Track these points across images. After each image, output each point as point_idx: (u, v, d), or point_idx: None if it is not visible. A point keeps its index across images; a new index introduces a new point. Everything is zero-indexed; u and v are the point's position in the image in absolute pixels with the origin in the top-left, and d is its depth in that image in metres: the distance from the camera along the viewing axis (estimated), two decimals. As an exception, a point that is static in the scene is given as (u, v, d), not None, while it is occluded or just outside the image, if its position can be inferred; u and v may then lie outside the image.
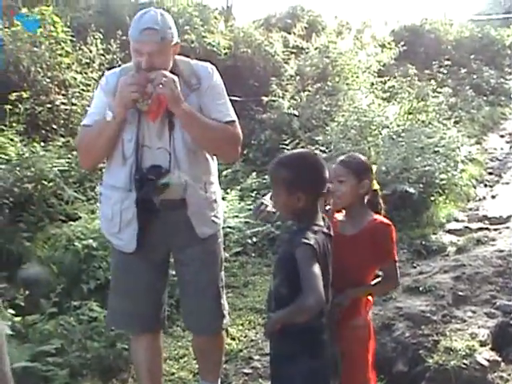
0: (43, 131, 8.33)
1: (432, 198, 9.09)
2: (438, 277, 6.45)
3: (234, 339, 5.63)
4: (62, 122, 8.66)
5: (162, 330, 4.36)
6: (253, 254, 7.70)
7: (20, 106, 7.89)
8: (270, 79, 12.83)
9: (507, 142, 15.04)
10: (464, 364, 4.66)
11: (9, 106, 7.72)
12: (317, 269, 2.88)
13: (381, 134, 10.20)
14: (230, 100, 3.92)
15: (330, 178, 3.38)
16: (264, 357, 5.20)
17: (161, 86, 3.46)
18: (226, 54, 13.12)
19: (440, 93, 14.32)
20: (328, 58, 13.90)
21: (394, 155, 9.09)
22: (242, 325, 5.92)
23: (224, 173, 9.38)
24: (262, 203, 3.36)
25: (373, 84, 14.30)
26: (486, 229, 8.37)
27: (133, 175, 3.67)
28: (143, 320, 3.99)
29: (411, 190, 8.44)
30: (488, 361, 4.76)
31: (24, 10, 9.14)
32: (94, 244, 5.93)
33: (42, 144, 7.61)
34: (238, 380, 4.99)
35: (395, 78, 15.33)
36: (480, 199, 10.33)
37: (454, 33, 22.59)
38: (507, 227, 8.28)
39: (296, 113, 11.87)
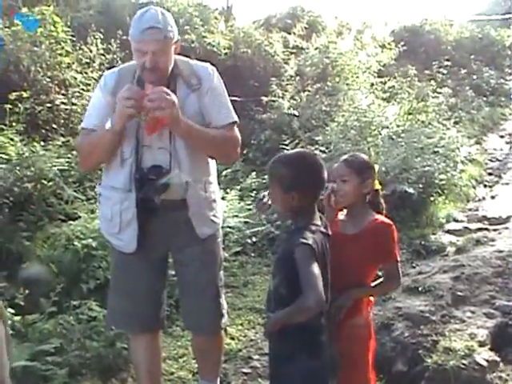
0: (43, 131, 8.33)
1: (431, 199, 9.11)
2: (438, 277, 6.46)
3: (233, 339, 5.64)
4: (62, 121, 8.66)
5: (161, 330, 4.36)
6: (252, 254, 7.70)
7: (20, 105, 7.90)
8: (269, 79, 12.84)
9: (507, 143, 15.03)
10: (463, 364, 4.66)
11: (9, 106, 7.73)
12: (316, 269, 2.88)
13: (380, 134, 10.21)
14: (230, 100, 3.92)
15: (333, 177, 3.40)
16: (263, 356, 5.21)
17: (160, 106, 3.42)
18: (226, 54, 13.13)
19: (440, 93, 14.33)
20: (328, 58, 13.90)
21: (393, 155, 9.09)
22: (241, 324, 5.92)
23: (224, 173, 9.38)
24: (264, 196, 3.37)
25: (373, 84, 14.31)
26: (486, 229, 8.37)
27: (133, 175, 3.66)
28: (142, 320, 3.99)
29: (411, 191, 8.45)
30: (487, 361, 4.76)
31: (24, 10, 9.13)
32: (94, 244, 5.93)
33: (42, 143, 7.62)
34: (238, 379, 4.99)
35: (395, 78, 15.34)
36: (479, 200, 10.33)
37: (454, 33, 22.59)
38: (506, 228, 8.28)
39: (296, 113, 11.88)
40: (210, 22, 14.15)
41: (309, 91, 12.97)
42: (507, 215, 8.85)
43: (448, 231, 8.47)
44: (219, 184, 4.09)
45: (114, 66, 4.21)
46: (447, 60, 17.96)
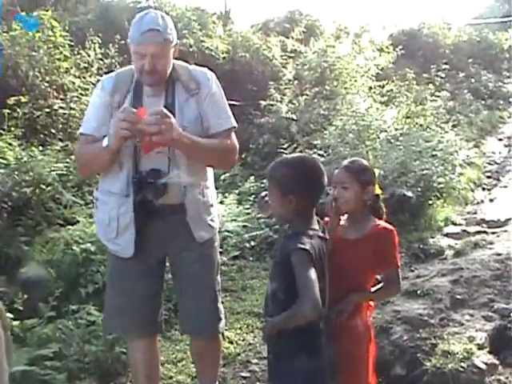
0: (41, 135, 8.35)
1: (430, 202, 9.10)
2: (436, 280, 6.46)
3: (232, 343, 5.63)
4: (61, 126, 8.67)
5: (159, 334, 4.36)
6: (251, 258, 7.70)
7: (18, 110, 7.92)
8: (268, 83, 12.87)
9: (505, 146, 15.02)
10: (462, 367, 4.66)
11: (7, 111, 7.76)
12: (313, 274, 2.88)
13: (379, 137, 10.22)
14: (229, 104, 3.93)
15: (334, 183, 3.39)
16: (262, 360, 5.21)
17: (159, 131, 3.39)
18: (224, 58, 13.15)
19: (438, 97, 14.34)
20: (326, 62, 13.92)
21: (391, 159, 9.09)
22: (240, 328, 5.92)
23: (222, 177, 9.41)
24: (266, 195, 3.37)
25: (371, 88, 14.33)
26: (484, 232, 8.37)
27: (130, 180, 3.66)
28: (140, 324, 3.99)
29: (409, 194, 8.45)
30: (486, 364, 4.75)
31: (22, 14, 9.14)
32: (92, 248, 5.94)
33: (41, 148, 7.62)
34: (236, 383, 4.99)
35: (393, 81, 15.33)
36: (478, 203, 10.33)
37: (452, 37, 22.63)
38: (505, 231, 8.28)
39: (294, 117, 11.89)
40: (208, 27, 14.17)
41: (307, 95, 12.99)
42: (506, 218, 8.84)
43: (446, 234, 8.46)
44: (217, 188, 4.11)
45: (112, 71, 4.21)
46: (445, 63, 17.96)
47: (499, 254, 6.99)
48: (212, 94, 3.79)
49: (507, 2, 29.60)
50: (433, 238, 8.21)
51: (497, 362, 4.86)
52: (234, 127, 3.88)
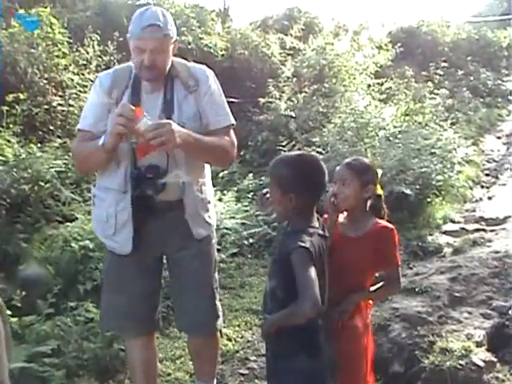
0: (40, 132, 8.33)
1: (428, 200, 9.10)
2: (435, 278, 6.47)
3: (230, 340, 5.64)
4: (59, 123, 8.66)
5: (156, 331, 4.37)
6: (249, 255, 7.70)
7: (17, 107, 7.90)
8: (266, 81, 12.86)
9: (504, 144, 15.02)
10: (460, 365, 4.67)
11: (6, 108, 7.73)
12: (313, 272, 2.88)
13: (377, 135, 10.21)
14: (227, 102, 3.93)
15: (334, 179, 3.39)
16: (260, 358, 5.21)
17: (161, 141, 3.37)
18: (222, 55, 13.14)
19: (437, 94, 14.35)
20: (325, 59, 13.90)
21: (390, 157, 9.09)
22: (238, 326, 5.92)
23: (221, 174, 9.40)
24: (267, 191, 3.36)
25: (370, 86, 14.32)
26: (483, 230, 8.37)
27: (128, 176, 3.66)
28: (137, 322, 3.98)
29: (408, 192, 8.45)
30: (484, 361, 4.76)
31: (21, 12, 9.12)
32: (91, 245, 5.93)
33: (39, 145, 7.62)
34: (235, 381, 4.99)
35: (392, 79, 15.34)
36: (476, 200, 10.33)
37: (451, 34, 22.61)
38: (503, 228, 8.28)
39: (293, 114, 11.89)
40: (206, 24, 14.15)
41: (306, 92, 12.98)
42: (504, 216, 8.85)
43: (445, 232, 8.46)
44: (216, 185, 4.11)
45: (110, 68, 4.21)
46: (444, 61, 17.97)
47: (497, 252, 7.00)
48: (211, 91, 3.79)
49: (506, 0, 29.62)
50: (431, 235, 8.21)
51: (495, 359, 4.87)
52: (233, 124, 3.89)
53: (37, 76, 8.71)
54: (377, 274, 3.64)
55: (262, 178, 9.54)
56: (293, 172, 3.09)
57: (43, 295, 5.38)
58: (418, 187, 8.74)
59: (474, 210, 9.63)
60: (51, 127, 8.52)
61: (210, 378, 4.30)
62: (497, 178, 11.95)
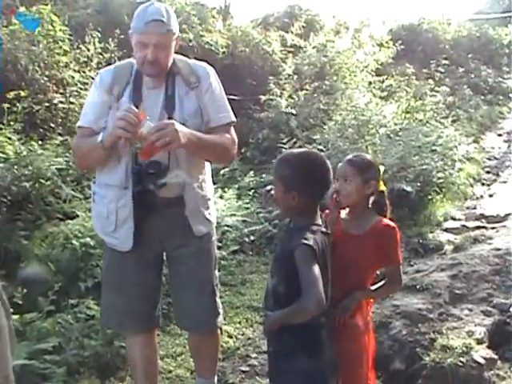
0: (41, 130, 8.33)
1: (429, 197, 9.11)
2: (435, 275, 6.46)
3: (231, 337, 5.64)
4: (60, 120, 8.66)
5: (157, 328, 4.37)
6: (250, 253, 7.71)
7: (18, 104, 7.90)
8: (267, 78, 12.84)
9: (505, 141, 15.03)
10: (460, 362, 4.66)
11: (7, 105, 7.73)
12: (316, 270, 2.88)
13: (378, 132, 10.21)
14: (228, 99, 3.94)
15: (336, 176, 3.38)
16: (261, 355, 5.22)
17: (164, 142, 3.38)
18: (223, 52, 13.12)
19: (438, 92, 14.32)
20: (326, 56, 13.90)
21: (391, 154, 9.09)
22: (239, 323, 5.93)
23: (222, 171, 9.41)
24: (272, 188, 3.36)
25: (370, 83, 14.32)
26: (483, 227, 8.37)
27: (129, 172, 3.66)
28: (137, 319, 3.99)
29: (408, 189, 8.46)
30: (484, 359, 4.76)
31: (22, 9, 9.11)
32: (92, 242, 5.94)
33: (40, 142, 7.61)
34: (235, 378, 5.00)
35: (393, 77, 15.33)
36: (477, 198, 10.32)
37: (452, 32, 22.60)
38: (504, 226, 8.28)
39: (294, 112, 11.88)
40: (207, 21, 14.14)
41: (306, 90, 12.98)
42: (505, 213, 8.84)
43: (446, 229, 8.46)
44: (217, 183, 4.12)
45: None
46: (445, 59, 17.94)
47: (498, 249, 7.00)
48: (212, 88, 3.80)
49: (507, -2, 29.61)
50: (432, 232, 8.21)
51: (495, 356, 4.88)
52: (234, 122, 3.89)
53: (38, 73, 8.71)
54: (378, 272, 3.64)
55: (263, 175, 9.56)
56: (296, 169, 3.09)
57: (44, 293, 5.39)
58: (418, 184, 8.74)
59: (474, 208, 9.63)
60: (52, 125, 8.52)
61: (210, 375, 4.30)
62: (497, 175, 11.96)
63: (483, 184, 11.33)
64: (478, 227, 8.40)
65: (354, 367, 3.45)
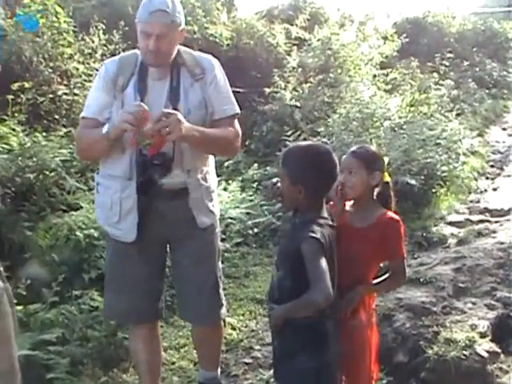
0: (45, 121, 8.32)
1: (433, 190, 9.10)
2: (439, 268, 6.46)
3: (234, 329, 5.65)
4: (64, 112, 8.65)
5: (160, 320, 4.38)
6: (254, 245, 7.70)
7: (22, 96, 7.91)
8: (272, 71, 12.82)
9: (509, 135, 15.00)
10: (464, 355, 4.68)
11: (11, 96, 7.73)
12: (324, 263, 2.89)
13: (382, 125, 10.19)
14: (233, 91, 3.94)
15: (341, 168, 3.38)
16: (264, 347, 5.23)
17: (167, 129, 3.42)
18: (228, 45, 13.09)
19: (442, 85, 14.29)
20: (330, 49, 13.85)
21: (395, 147, 9.07)
22: (242, 315, 5.94)
23: (226, 164, 9.40)
24: (278, 181, 3.37)
25: (375, 76, 14.29)
26: (487, 221, 8.37)
27: (134, 163, 3.66)
28: (140, 311, 4.00)
29: (412, 182, 8.44)
30: (488, 352, 4.77)
31: (26, 0, 9.08)
32: (96, 234, 5.95)
33: (44, 134, 7.60)
34: (239, 370, 5.01)
35: (397, 70, 15.30)
36: (481, 191, 10.30)
37: (457, 25, 22.53)
38: (508, 219, 8.27)
39: (298, 104, 11.84)
40: (212, 13, 14.09)
41: (311, 83, 12.94)
42: (509, 207, 8.83)
43: (450, 223, 8.45)
44: (221, 175, 4.12)
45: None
46: (450, 52, 17.90)
47: (502, 243, 6.99)
48: (216, 80, 3.81)
49: (512, -9, 29.53)
50: (436, 226, 8.20)
51: (499, 350, 4.89)
52: (238, 114, 3.90)
53: (42, 65, 8.70)
54: (381, 265, 3.65)
55: (267, 167, 9.55)
56: (302, 162, 3.10)
57: (48, 284, 5.41)
58: (422, 178, 8.73)
59: (478, 201, 9.62)
60: (56, 116, 8.51)
61: (213, 367, 4.32)
62: (502, 169, 11.94)
63: (487, 178, 11.30)
64: (482, 221, 8.39)
65: (357, 361, 3.47)
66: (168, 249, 4.07)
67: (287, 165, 3.15)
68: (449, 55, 17.38)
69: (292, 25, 16.36)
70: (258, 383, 4.82)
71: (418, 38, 19.63)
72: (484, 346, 4.83)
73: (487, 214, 8.76)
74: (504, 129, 15.81)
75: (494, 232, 7.65)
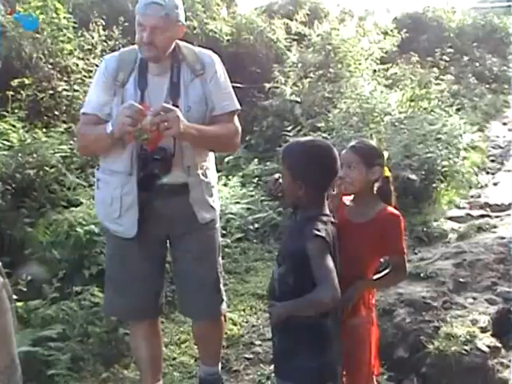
0: (45, 117, 8.32)
1: (434, 185, 9.09)
2: (439, 263, 6.46)
3: (235, 324, 5.66)
4: (64, 108, 8.64)
5: (161, 316, 4.38)
6: (254, 240, 7.71)
7: (22, 92, 7.90)
8: (272, 66, 12.81)
9: (510, 130, 14.99)
10: (464, 350, 4.68)
11: (11, 93, 7.72)
12: (331, 262, 2.88)
13: (383, 120, 10.19)
14: (233, 87, 3.94)
15: (341, 163, 3.37)
16: (265, 342, 5.24)
17: (166, 124, 3.43)
18: (228, 40, 13.07)
19: (442, 80, 14.28)
20: (330, 44, 13.82)
21: (396, 142, 9.07)
22: (243, 310, 5.95)
23: (226, 159, 9.40)
24: (280, 176, 3.35)
25: (375, 71, 14.26)
26: (488, 216, 8.38)
27: (134, 159, 3.66)
28: (141, 307, 4.00)
29: (413, 177, 8.44)
30: (488, 347, 4.77)
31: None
32: (96, 229, 5.94)
33: (44, 130, 7.60)
34: (239, 365, 5.02)
35: (397, 65, 15.29)
36: (482, 186, 10.31)
37: (457, 20, 22.47)
38: (508, 214, 8.28)
39: (298, 99, 11.83)
40: (211, 9, 14.07)
41: (311, 78, 12.91)
42: (509, 202, 8.84)
43: (450, 218, 8.46)
44: (221, 170, 4.12)
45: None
46: (450, 47, 17.86)
47: (503, 238, 6.99)
48: (217, 76, 3.81)
49: (513, -14, 29.46)
50: (436, 221, 8.21)
51: (499, 345, 4.89)
52: (238, 110, 3.90)
53: (42, 61, 8.69)
54: (382, 260, 3.64)
55: (267, 163, 9.55)
56: (303, 159, 3.09)
57: (48, 280, 5.41)
58: (423, 173, 8.73)
59: (479, 196, 9.63)
60: (56, 112, 8.50)
61: (214, 362, 4.32)
62: (502, 164, 11.94)
63: (488, 173, 11.31)
64: (483, 216, 8.41)
65: (358, 357, 3.48)
66: (168, 245, 4.06)
67: (287, 161, 3.15)
68: (449, 50, 17.34)
69: (292, 20, 16.33)
70: (259, 378, 4.83)
71: (418, 32, 19.59)
72: (485, 341, 4.83)
73: (488, 209, 8.77)
74: (504, 123, 15.79)
75: (495, 227, 7.67)
